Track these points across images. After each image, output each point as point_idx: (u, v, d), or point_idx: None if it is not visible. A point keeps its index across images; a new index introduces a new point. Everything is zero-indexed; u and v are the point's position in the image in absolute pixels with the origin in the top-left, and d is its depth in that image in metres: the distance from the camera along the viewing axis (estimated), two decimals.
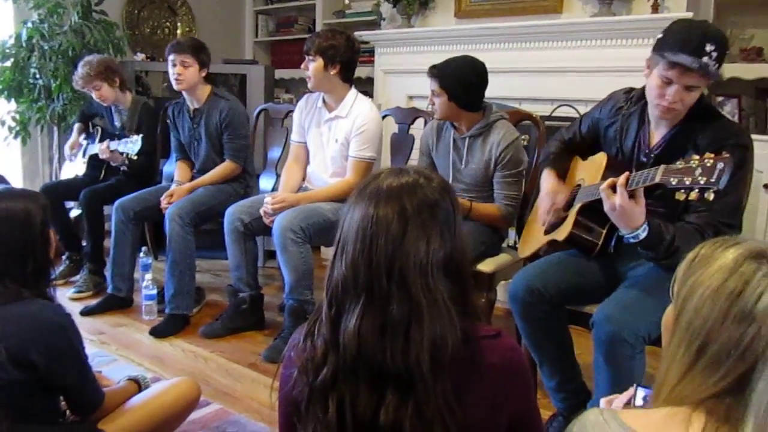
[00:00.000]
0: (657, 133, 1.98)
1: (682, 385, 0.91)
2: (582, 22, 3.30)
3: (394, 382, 1.08)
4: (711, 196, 1.53)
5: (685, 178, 1.55)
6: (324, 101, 3.06)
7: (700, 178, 1.52)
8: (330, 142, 3.03)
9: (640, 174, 1.70)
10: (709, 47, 1.73)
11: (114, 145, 3.51)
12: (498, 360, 1.15)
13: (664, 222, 1.78)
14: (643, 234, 1.73)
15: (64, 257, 3.82)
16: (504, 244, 2.83)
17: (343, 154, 2.99)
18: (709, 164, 1.52)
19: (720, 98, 3.29)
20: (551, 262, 2.13)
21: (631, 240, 1.77)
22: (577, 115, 3.16)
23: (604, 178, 1.96)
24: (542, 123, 2.81)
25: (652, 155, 1.95)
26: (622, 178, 1.72)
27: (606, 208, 1.76)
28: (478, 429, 1.14)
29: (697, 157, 1.55)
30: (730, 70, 3.22)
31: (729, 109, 3.26)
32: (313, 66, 2.90)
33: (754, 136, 2.19)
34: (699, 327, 0.90)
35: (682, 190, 1.56)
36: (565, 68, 3.36)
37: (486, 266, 2.58)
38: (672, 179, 1.58)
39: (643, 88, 1.99)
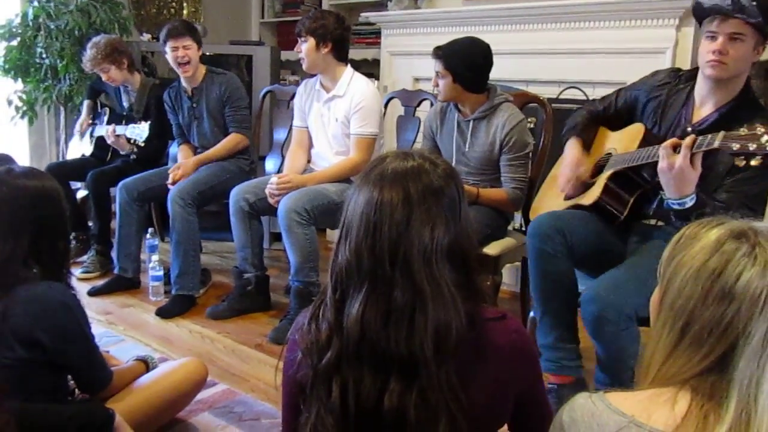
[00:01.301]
0: (702, 111, 1.97)
1: (667, 364, 0.92)
2: (591, 3, 3.26)
3: (399, 368, 1.08)
4: None
5: (750, 144, 1.54)
6: (321, 83, 3.07)
7: (767, 144, 1.51)
8: (330, 121, 3.04)
9: (700, 139, 1.69)
10: None
11: (120, 129, 3.52)
12: (504, 341, 1.16)
13: (707, 196, 1.77)
14: (690, 203, 1.72)
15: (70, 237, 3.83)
16: (510, 227, 2.83)
17: (344, 132, 3.00)
18: None
19: None
20: (578, 216, 2.10)
21: (676, 206, 1.74)
22: (584, 98, 3.16)
23: (641, 147, 1.97)
24: (549, 105, 2.80)
25: (695, 132, 1.94)
26: (688, 140, 1.69)
27: (661, 166, 1.73)
28: (484, 410, 1.15)
29: (761, 125, 1.55)
30: None
31: None
32: (305, 46, 2.92)
33: None
34: (682, 307, 0.91)
35: (743, 156, 1.56)
36: (574, 50, 3.33)
37: (491, 249, 2.58)
38: (734, 144, 1.57)
39: (691, 69, 2.02)
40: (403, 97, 3.36)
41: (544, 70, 3.44)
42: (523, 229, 2.79)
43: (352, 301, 1.11)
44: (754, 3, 1.74)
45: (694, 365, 0.89)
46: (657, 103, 2.07)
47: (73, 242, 3.82)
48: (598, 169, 2.15)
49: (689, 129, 1.96)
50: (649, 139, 1.98)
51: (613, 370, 1.89)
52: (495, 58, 2.61)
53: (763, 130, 1.54)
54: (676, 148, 1.71)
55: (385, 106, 3.34)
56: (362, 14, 4.28)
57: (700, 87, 1.98)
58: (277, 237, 3.89)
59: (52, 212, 1.70)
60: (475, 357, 1.12)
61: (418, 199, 1.10)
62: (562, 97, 3.28)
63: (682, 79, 2.06)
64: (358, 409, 1.10)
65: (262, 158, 3.76)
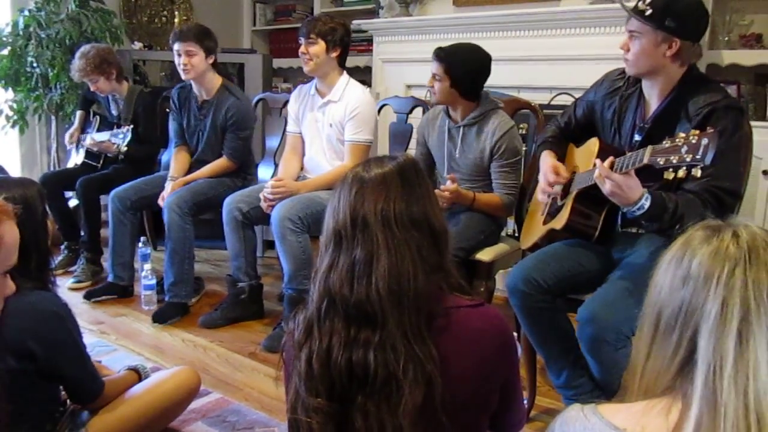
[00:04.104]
0: (650, 105, 1.99)
1: (650, 362, 0.93)
2: (581, 9, 3.28)
3: (365, 319, 1.16)
4: (698, 173, 1.53)
5: (672, 157, 1.56)
6: (316, 88, 3.07)
7: (686, 155, 1.52)
8: (325, 126, 3.03)
9: (629, 156, 1.71)
10: None
11: (102, 136, 3.53)
12: (482, 325, 1.21)
13: (665, 192, 1.77)
14: (647, 203, 1.71)
15: (62, 247, 3.82)
16: (503, 233, 2.83)
17: (338, 137, 3.00)
18: (694, 141, 1.52)
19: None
20: (548, 252, 2.12)
21: (637, 212, 1.74)
22: None
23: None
24: (541, 111, 2.80)
25: (645, 127, 1.96)
26: (606, 162, 1.73)
27: (604, 192, 1.75)
28: (472, 395, 1.19)
29: (683, 134, 1.56)
30: (729, 56, 3.20)
31: None
32: (315, 49, 2.90)
33: (753, 123, 2.18)
34: (655, 298, 0.93)
35: (670, 169, 1.57)
36: (565, 56, 3.35)
37: (485, 255, 2.57)
38: (659, 159, 1.59)
39: None
40: (396, 104, 3.36)
41: (536, 76, 3.46)
42: (516, 234, 2.79)
43: (319, 272, 1.23)
44: (650, 11, 1.82)
45: (671, 358, 0.89)
46: (612, 111, 2.08)
47: (65, 251, 3.82)
48: (566, 190, 2.15)
49: (641, 125, 1.98)
50: (605, 151, 1.98)
51: (603, 382, 1.91)
52: (491, 66, 2.61)
53: (682, 140, 1.54)
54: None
55: (378, 112, 3.35)
56: (354, 22, 4.28)
57: (644, 83, 2.01)
58: (270, 245, 3.88)
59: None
60: (454, 341, 1.17)
61: (369, 177, 1.24)
62: (553, 103, 3.30)
63: (630, 81, 2.07)
64: (329, 370, 1.17)
65: (255, 165, 3.75)
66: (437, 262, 1.22)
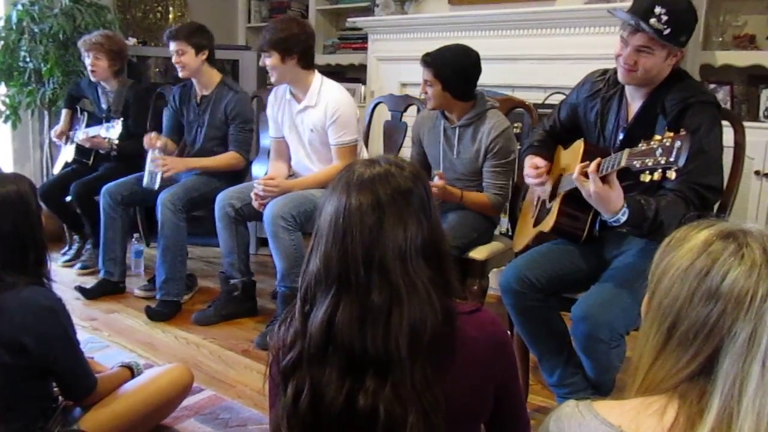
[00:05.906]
0: (633, 107, 1.99)
1: (655, 367, 0.91)
2: (576, 9, 3.28)
3: (374, 366, 1.09)
4: (672, 175, 1.53)
5: (647, 160, 1.56)
6: (291, 93, 3.02)
7: (660, 158, 1.53)
8: (306, 132, 3.00)
9: (608, 159, 1.71)
10: (658, 9, 1.77)
11: (94, 131, 3.52)
12: (478, 333, 1.17)
13: (645, 198, 1.76)
14: (623, 217, 1.72)
15: (76, 238, 3.92)
16: (496, 232, 2.83)
17: (321, 140, 2.97)
18: (668, 143, 1.52)
19: (712, 85, 3.30)
20: (540, 251, 2.13)
21: (613, 224, 1.75)
22: None
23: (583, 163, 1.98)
24: (535, 110, 2.80)
25: (627, 128, 1.97)
26: (593, 165, 1.71)
27: (584, 195, 1.75)
28: (462, 404, 1.16)
29: (658, 137, 1.56)
30: (723, 57, 3.22)
31: (721, 96, 3.26)
32: (270, 62, 2.85)
33: (746, 124, 2.20)
34: (669, 306, 0.90)
35: (647, 172, 1.57)
36: (559, 56, 3.35)
37: (478, 254, 2.58)
38: (636, 162, 1.59)
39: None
40: (390, 102, 3.36)
41: (530, 75, 3.46)
42: (510, 233, 2.80)
43: (318, 306, 1.13)
44: (665, 17, 1.78)
45: (682, 368, 0.88)
46: (595, 113, 2.08)
47: (66, 247, 3.83)
48: (554, 192, 2.15)
49: (624, 126, 1.99)
50: (591, 152, 1.97)
51: (597, 381, 1.93)
52: (481, 64, 2.61)
53: (657, 143, 1.55)
54: (587, 174, 1.73)
55: (372, 111, 3.35)
56: (349, 19, 4.28)
57: (628, 85, 2.00)
58: (263, 242, 3.87)
59: (14, 221, 1.63)
60: (450, 351, 1.14)
61: (387, 201, 1.11)
62: (547, 102, 3.30)
63: (611, 83, 2.06)
64: (317, 411, 1.11)
65: (249, 163, 3.74)
66: (444, 282, 1.17)
